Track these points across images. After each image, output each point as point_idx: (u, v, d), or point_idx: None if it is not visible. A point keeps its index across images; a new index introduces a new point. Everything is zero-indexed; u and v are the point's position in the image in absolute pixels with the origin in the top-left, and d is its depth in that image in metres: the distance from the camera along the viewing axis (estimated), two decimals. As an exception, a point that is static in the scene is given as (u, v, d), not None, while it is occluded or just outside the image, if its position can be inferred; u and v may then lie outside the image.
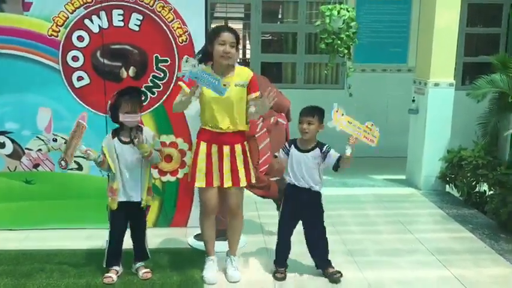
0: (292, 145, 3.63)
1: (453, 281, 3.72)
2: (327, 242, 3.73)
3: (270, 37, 7.95)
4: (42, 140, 4.33)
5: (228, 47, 3.39)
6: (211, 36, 3.47)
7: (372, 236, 4.52)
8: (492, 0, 7.54)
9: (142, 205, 3.57)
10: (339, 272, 3.68)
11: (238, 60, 7.54)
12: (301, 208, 3.64)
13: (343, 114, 3.49)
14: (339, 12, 5.43)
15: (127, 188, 3.52)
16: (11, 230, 4.38)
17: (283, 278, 3.67)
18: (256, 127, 4.05)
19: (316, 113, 3.55)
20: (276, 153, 3.71)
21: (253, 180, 3.65)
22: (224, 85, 3.30)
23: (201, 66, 3.31)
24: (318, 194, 3.63)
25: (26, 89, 4.24)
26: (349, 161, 3.50)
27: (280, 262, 3.74)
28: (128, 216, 3.60)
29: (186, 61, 3.26)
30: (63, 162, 3.45)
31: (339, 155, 3.53)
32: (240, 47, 7.68)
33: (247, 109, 3.51)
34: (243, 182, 3.55)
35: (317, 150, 3.56)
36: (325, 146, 3.57)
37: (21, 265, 3.76)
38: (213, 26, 7.60)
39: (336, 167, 3.54)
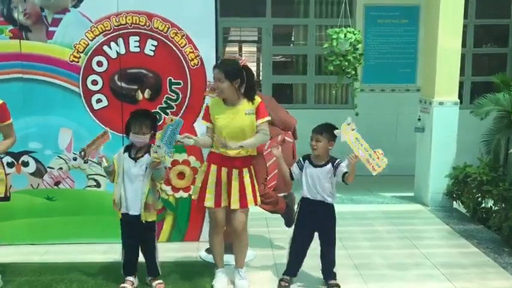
0: (307, 160, 3.79)
1: (456, 293, 3.85)
2: (334, 253, 3.86)
3: (282, 58, 8.17)
4: (63, 159, 4.58)
5: (216, 83, 3.62)
6: None
7: (379, 251, 4.63)
8: (499, 21, 7.70)
9: (141, 219, 3.68)
10: (338, 285, 3.81)
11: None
12: (316, 220, 3.77)
13: (353, 129, 3.57)
14: (345, 36, 5.65)
15: (128, 200, 3.68)
16: (33, 244, 4.60)
17: (287, 287, 3.81)
18: (264, 145, 4.24)
19: (324, 131, 3.70)
20: (290, 167, 3.81)
21: (259, 203, 3.83)
22: (172, 120, 3.52)
23: (157, 137, 3.56)
24: (331, 206, 3.78)
25: (49, 111, 4.50)
26: (351, 176, 3.65)
27: (290, 271, 3.87)
28: (135, 230, 3.73)
29: (155, 151, 3.53)
30: (82, 153, 3.68)
31: (346, 170, 3.66)
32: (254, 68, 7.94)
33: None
34: (251, 203, 3.72)
35: (329, 165, 3.71)
36: (337, 160, 3.72)
37: (42, 276, 3.98)
38: (227, 49, 7.91)
39: (342, 179, 3.70)
